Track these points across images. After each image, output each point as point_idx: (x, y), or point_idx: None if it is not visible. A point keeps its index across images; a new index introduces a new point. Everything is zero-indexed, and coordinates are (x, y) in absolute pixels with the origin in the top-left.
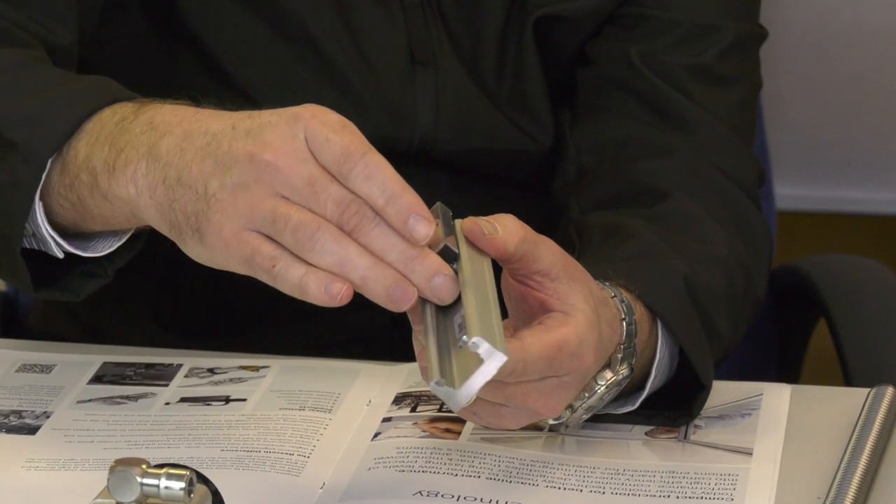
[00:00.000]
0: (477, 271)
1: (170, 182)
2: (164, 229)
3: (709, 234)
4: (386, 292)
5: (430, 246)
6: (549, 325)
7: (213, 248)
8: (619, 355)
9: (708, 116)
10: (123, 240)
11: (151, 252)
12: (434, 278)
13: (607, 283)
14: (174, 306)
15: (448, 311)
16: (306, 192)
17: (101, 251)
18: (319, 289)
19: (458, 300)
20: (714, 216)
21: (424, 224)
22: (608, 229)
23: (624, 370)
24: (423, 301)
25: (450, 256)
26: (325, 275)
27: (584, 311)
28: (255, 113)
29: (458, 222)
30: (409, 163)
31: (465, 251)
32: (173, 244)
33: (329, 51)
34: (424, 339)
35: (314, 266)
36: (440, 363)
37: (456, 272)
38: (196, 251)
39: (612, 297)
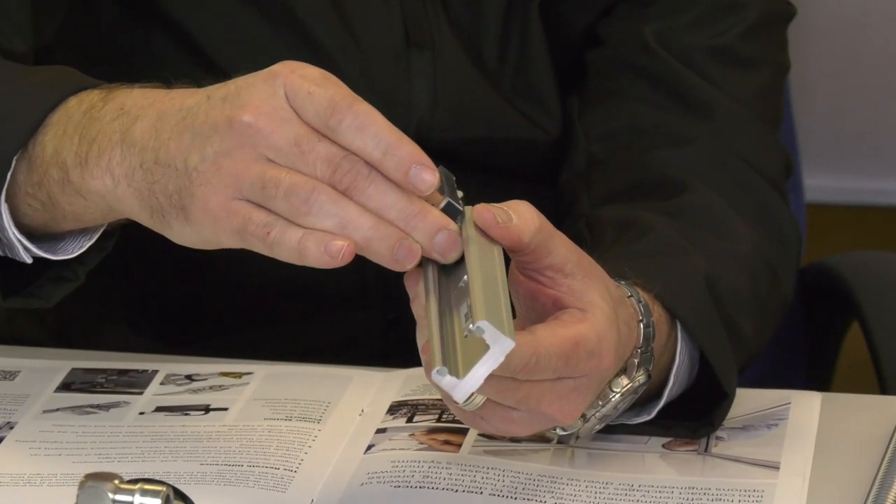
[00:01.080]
0: (487, 259)
1: (147, 165)
2: (145, 218)
3: (731, 229)
4: (390, 252)
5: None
6: (564, 321)
7: (200, 224)
8: (636, 360)
9: (730, 101)
10: (94, 238)
11: (124, 250)
12: (437, 235)
13: (622, 282)
14: (149, 307)
15: (455, 301)
16: (293, 152)
17: (71, 252)
18: (319, 249)
19: (466, 289)
20: (737, 209)
21: (428, 172)
22: (622, 224)
23: (641, 376)
24: (426, 289)
25: (453, 213)
26: (324, 234)
27: (601, 309)
28: (230, 81)
29: (468, 209)
30: None
31: (474, 239)
32: (147, 240)
33: (316, 31)
34: (427, 329)
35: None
36: (443, 352)
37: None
38: (182, 233)
39: (629, 297)
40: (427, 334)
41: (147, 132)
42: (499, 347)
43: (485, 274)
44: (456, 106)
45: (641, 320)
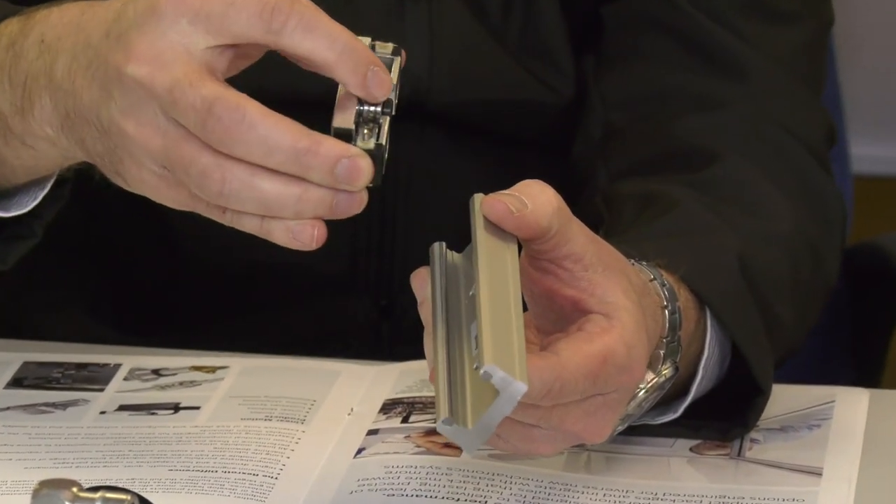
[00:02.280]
0: (497, 268)
1: (72, 116)
2: (100, 168)
3: (768, 205)
4: (287, 235)
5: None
6: (590, 333)
7: (145, 193)
8: (662, 351)
9: (765, 61)
10: (48, 187)
11: (81, 224)
12: (337, 167)
13: (644, 264)
14: (110, 292)
15: (465, 317)
16: (169, 103)
17: (25, 206)
18: (287, 235)
19: (474, 301)
20: (774, 182)
21: (387, 74)
22: (643, 199)
23: (667, 370)
24: (434, 304)
25: (345, 137)
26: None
27: (628, 310)
28: (130, 4)
29: (476, 202)
30: (399, 118)
31: (482, 240)
32: (106, 213)
33: None
34: (433, 354)
35: None
36: (450, 394)
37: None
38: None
39: (651, 281)
40: (430, 356)
41: (65, 74)
42: (509, 394)
43: (494, 290)
44: (455, 65)
45: (666, 306)
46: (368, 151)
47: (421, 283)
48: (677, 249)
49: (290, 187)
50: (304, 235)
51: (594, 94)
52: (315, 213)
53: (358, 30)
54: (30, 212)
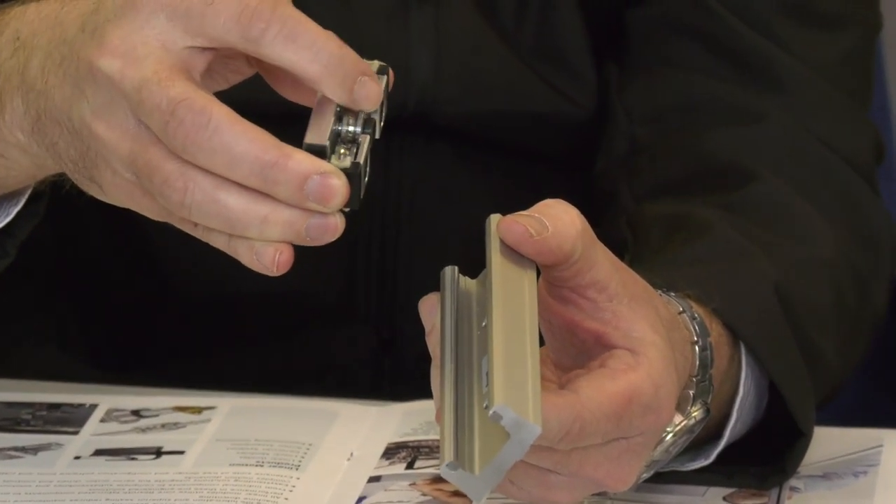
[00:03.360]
0: (513, 297)
1: (43, 118)
2: (73, 179)
3: (808, 228)
4: (250, 256)
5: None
6: (613, 370)
7: (120, 200)
8: (692, 391)
9: (806, 70)
10: (21, 202)
11: (52, 248)
12: (307, 184)
13: (672, 295)
14: (85, 323)
15: (477, 350)
16: (135, 102)
17: None
18: (250, 255)
19: (486, 333)
20: (815, 204)
21: (375, 86)
22: (672, 222)
23: (697, 412)
24: (443, 335)
25: (318, 154)
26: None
27: (655, 346)
28: None
29: (492, 223)
30: (403, 131)
31: (497, 266)
32: (82, 236)
33: None
34: (440, 391)
35: None
36: (456, 435)
37: (354, 173)
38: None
39: (680, 314)
40: (436, 395)
41: (38, 73)
42: (521, 437)
43: (508, 323)
44: (465, 73)
45: (696, 342)
46: (344, 170)
47: (430, 310)
48: (709, 278)
49: (256, 205)
50: (266, 258)
51: (618, 105)
52: (282, 235)
53: (357, 36)
54: (2, 229)
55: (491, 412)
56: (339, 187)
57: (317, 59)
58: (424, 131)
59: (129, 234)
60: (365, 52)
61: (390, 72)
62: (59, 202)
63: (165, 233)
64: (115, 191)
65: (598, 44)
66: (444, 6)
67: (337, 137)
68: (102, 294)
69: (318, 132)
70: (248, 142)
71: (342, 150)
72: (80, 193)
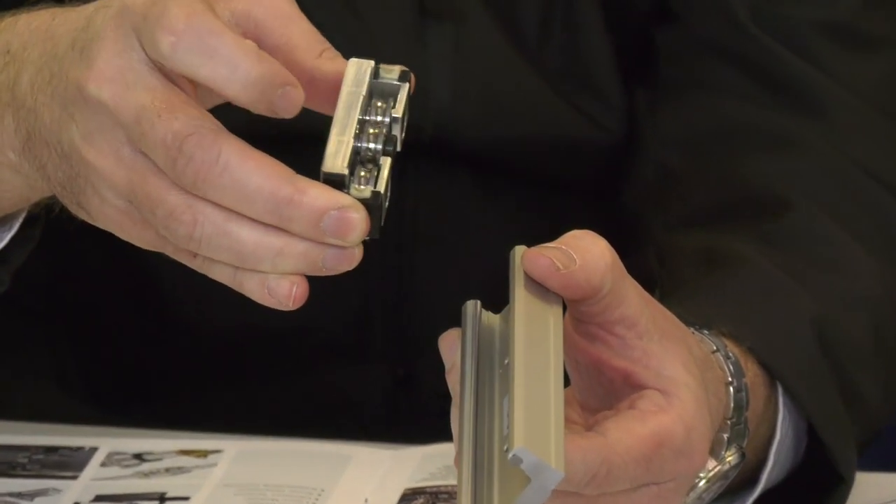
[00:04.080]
0: (537, 333)
1: (34, 137)
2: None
3: (849, 261)
4: (262, 290)
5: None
6: (643, 411)
7: (108, 227)
8: (726, 435)
9: (847, 94)
10: (16, 227)
11: (50, 280)
12: (323, 220)
13: (706, 332)
14: (84, 360)
15: (499, 388)
16: (137, 134)
17: None
18: (261, 290)
19: (508, 371)
20: (856, 235)
21: (295, 94)
22: (705, 255)
23: (732, 457)
24: (463, 373)
25: (336, 183)
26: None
27: (688, 387)
28: (100, 10)
29: (517, 256)
30: (419, 156)
31: (521, 300)
32: (80, 266)
33: None
34: (458, 432)
35: None
36: (475, 479)
37: (369, 202)
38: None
39: (714, 353)
40: (456, 435)
41: (28, 89)
42: (542, 482)
43: (531, 362)
44: (485, 95)
45: (731, 383)
46: (363, 201)
47: (450, 346)
48: (744, 315)
49: (269, 237)
50: (281, 292)
51: (647, 130)
52: (296, 268)
53: (370, 54)
54: None
55: (510, 455)
56: (359, 221)
57: (234, 76)
58: (442, 157)
59: (129, 265)
60: None
61: (412, 77)
62: (54, 230)
63: (167, 263)
64: (103, 218)
65: (626, 65)
66: (463, 23)
67: (356, 157)
68: (102, 329)
69: (336, 156)
70: (261, 178)
71: (362, 174)
72: (73, 218)
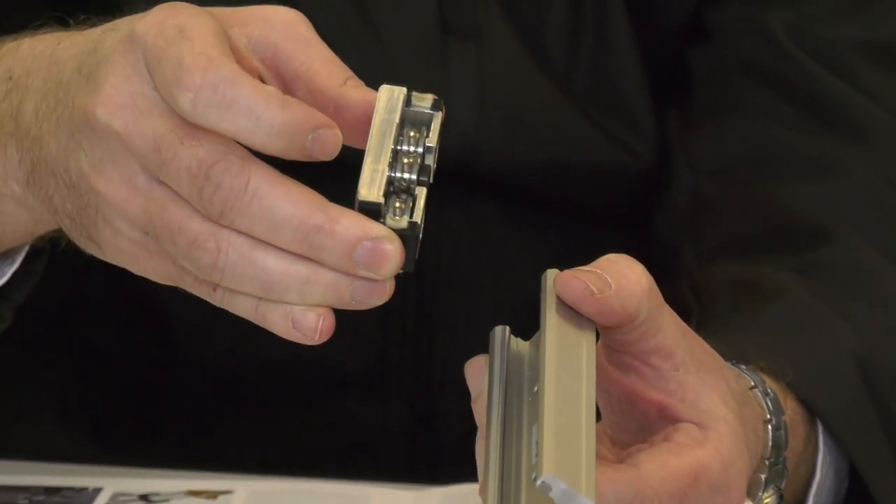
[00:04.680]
0: (569, 361)
1: (38, 168)
2: (70, 235)
3: (893, 294)
4: (286, 323)
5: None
6: (679, 444)
7: (121, 262)
8: (763, 475)
9: (889, 117)
10: (18, 261)
11: (52, 314)
12: (357, 251)
13: (743, 368)
14: (87, 397)
15: (528, 416)
16: (156, 163)
17: None
18: (285, 322)
19: (538, 399)
20: None
21: (332, 136)
22: (741, 286)
23: (769, 499)
24: (490, 401)
25: (372, 212)
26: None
27: (726, 421)
28: (108, 33)
29: (549, 279)
30: (442, 183)
31: (553, 326)
32: (83, 297)
33: (319, 14)
34: (484, 462)
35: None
36: None
37: (404, 235)
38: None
39: (752, 388)
40: (481, 462)
41: (33, 117)
42: None
43: (562, 389)
44: (511, 118)
45: (769, 420)
46: (400, 231)
47: (477, 373)
48: (783, 349)
49: (297, 265)
50: (307, 325)
51: (680, 155)
52: (324, 299)
53: (389, 76)
54: None
55: (539, 482)
56: (393, 253)
57: (257, 126)
58: (465, 184)
59: (134, 298)
60: None
61: (443, 107)
62: (57, 262)
63: (175, 297)
64: (116, 251)
65: (658, 87)
66: (486, 42)
67: (390, 186)
68: (106, 364)
69: (372, 184)
70: (291, 205)
71: (397, 205)
72: (79, 252)
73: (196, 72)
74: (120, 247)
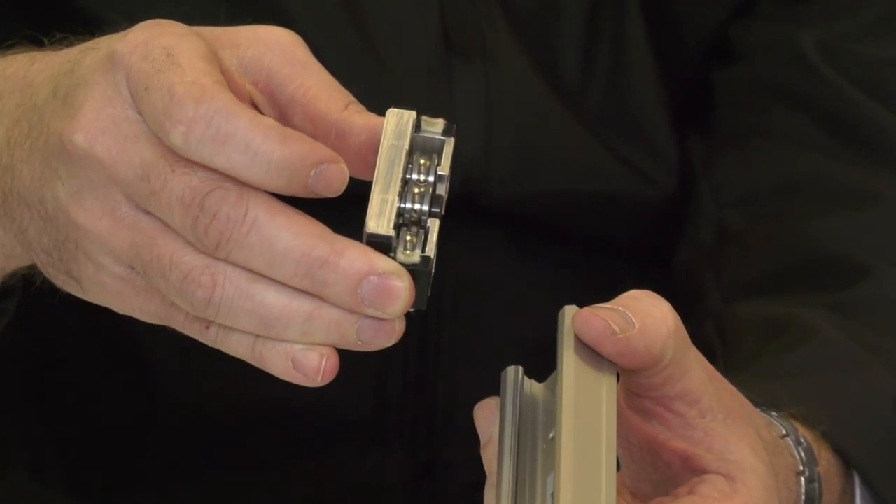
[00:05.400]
0: (587, 405)
1: (10, 198)
2: (46, 272)
3: None
4: (285, 363)
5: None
6: (705, 497)
7: (104, 300)
8: None
9: None
10: None
11: (23, 355)
12: (362, 286)
13: (774, 414)
14: (64, 445)
15: (542, 464)
16: (143, 193)
17: None
18: (285, 363)
19: (554, 447)
20: None
21: (338, 171)
22: (769, 326)
23: None
24: (501, 447)
25: (382, 245)
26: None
27: (756, 472)
28: (87, 52)
29: (567, 317)
30: (447, 215)
31: (570, 367)
32: (53, 342)
33: (313, 32)
34: None
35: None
36: None
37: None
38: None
39: (784, 437)
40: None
41: (4, 144)
42: None
43: (581, 433)
44: (520, 144)
45: (802, 472)
46: (412, 266)
47: (487, 417)
48: (816, 394)
49: (299, 300)
50: (309, 365)
51: (703, 184)
52: (327, 338)
53: (391, 99)
54: None
55: None
56: (402, 290)
57: (254, 162)
58: (471, 215)
59: (112, 338)
60: None
61: (455, 133)
62: (30, 301)
63: (156, 336)
64: (98, 289)
65: (680, 111)
66: (493, 62)
67: (400, 218)
68: (83, 410)
69: (381, 216)
70: (293, 236)
71: (408, 238)
72: (55, 290)
73: (188, 104)
74: (103, 283)
